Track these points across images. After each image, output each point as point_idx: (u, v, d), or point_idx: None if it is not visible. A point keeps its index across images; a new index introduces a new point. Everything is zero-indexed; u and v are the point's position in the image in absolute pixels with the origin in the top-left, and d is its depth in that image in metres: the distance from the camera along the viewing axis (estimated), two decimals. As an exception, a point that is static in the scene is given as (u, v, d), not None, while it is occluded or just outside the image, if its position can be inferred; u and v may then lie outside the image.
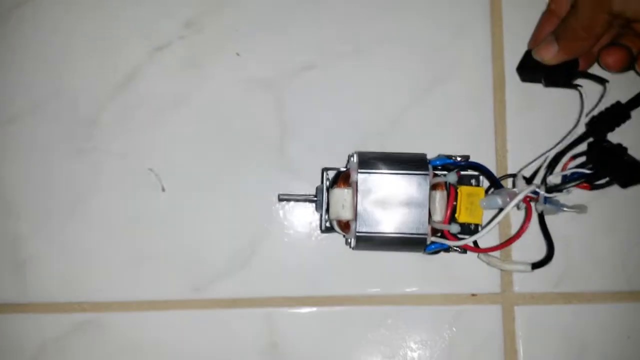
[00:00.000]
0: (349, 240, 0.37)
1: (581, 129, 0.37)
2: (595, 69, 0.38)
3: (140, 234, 0.40)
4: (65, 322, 0.40)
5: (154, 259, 0.40)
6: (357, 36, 0.41)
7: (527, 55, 0.39)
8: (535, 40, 0.38)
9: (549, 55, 0.36)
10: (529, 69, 0.39)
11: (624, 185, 0.36)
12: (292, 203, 0.40)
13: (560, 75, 0.38)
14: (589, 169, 0.37)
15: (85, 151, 0.41)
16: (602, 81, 0.37)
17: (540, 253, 0.38)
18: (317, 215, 0.39)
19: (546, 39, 0.37)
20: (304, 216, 0.40)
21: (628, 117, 0.37)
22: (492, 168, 0.40)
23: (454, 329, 0.40)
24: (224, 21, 0.42)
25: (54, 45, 0.42)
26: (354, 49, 0.41)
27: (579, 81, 0.37)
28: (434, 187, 0.35)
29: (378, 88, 0.41)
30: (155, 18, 0.42)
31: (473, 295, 0.40)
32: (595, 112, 0.37)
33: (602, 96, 0.36)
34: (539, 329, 0.40)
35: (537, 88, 0.39)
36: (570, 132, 0.37)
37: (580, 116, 0.36)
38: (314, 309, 0.40)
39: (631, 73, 0.36)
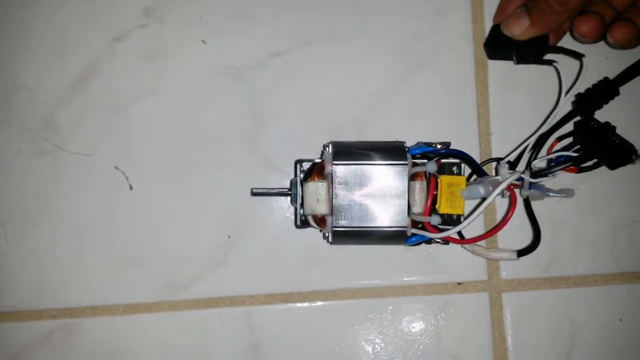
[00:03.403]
0: (326, 235, 0.35)
1: (565, 107, 0.35)
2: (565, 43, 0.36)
3: (109, 235, 0.39)
4: (36, 331, 0.39)
5: (126, 261, 0.39)
6: (330, 19, 0.39)
7: (495, 30, 0.36)
8: (503, 13, 0.36)
9: (519, 29, 0.34)
10: (497, 45, 0.36)
11: (613, 167, 0.34)
12: (268, 197, 0.38)
13: (530, 51, 0.35)
14: (575, 150, 0.35)
15: (46, 152, 0.39)
16: (578, 56, 0.34)
17: (527, 236, 0.37)
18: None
19: (516, 12, 0.34)
20: (282, 210, 0.39)
21: (617, 93, 0.35)
22: (476, 151, 0.39)
23: (441, 319, 0.39)
24: (187, 7, 0.39)
25: (5, 40, 0.39)
26: (328, 33, 0.39)
27: (553, 57, 0.35)
28: (413, 177, 0.34)
29: (354, 73, 0.39)
30: (111, 6, 0.39)
31: (459, 283, 0.39)
32: (581, 89, 0.35)
33: (579, 72, 0.34)
34: (528, 315, 0.39)
35: (520, 66, 0.37)
36: (552, 111, 0.35)
37: (559, 94, 0.34)
38: (296, 305, 0.39)
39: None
